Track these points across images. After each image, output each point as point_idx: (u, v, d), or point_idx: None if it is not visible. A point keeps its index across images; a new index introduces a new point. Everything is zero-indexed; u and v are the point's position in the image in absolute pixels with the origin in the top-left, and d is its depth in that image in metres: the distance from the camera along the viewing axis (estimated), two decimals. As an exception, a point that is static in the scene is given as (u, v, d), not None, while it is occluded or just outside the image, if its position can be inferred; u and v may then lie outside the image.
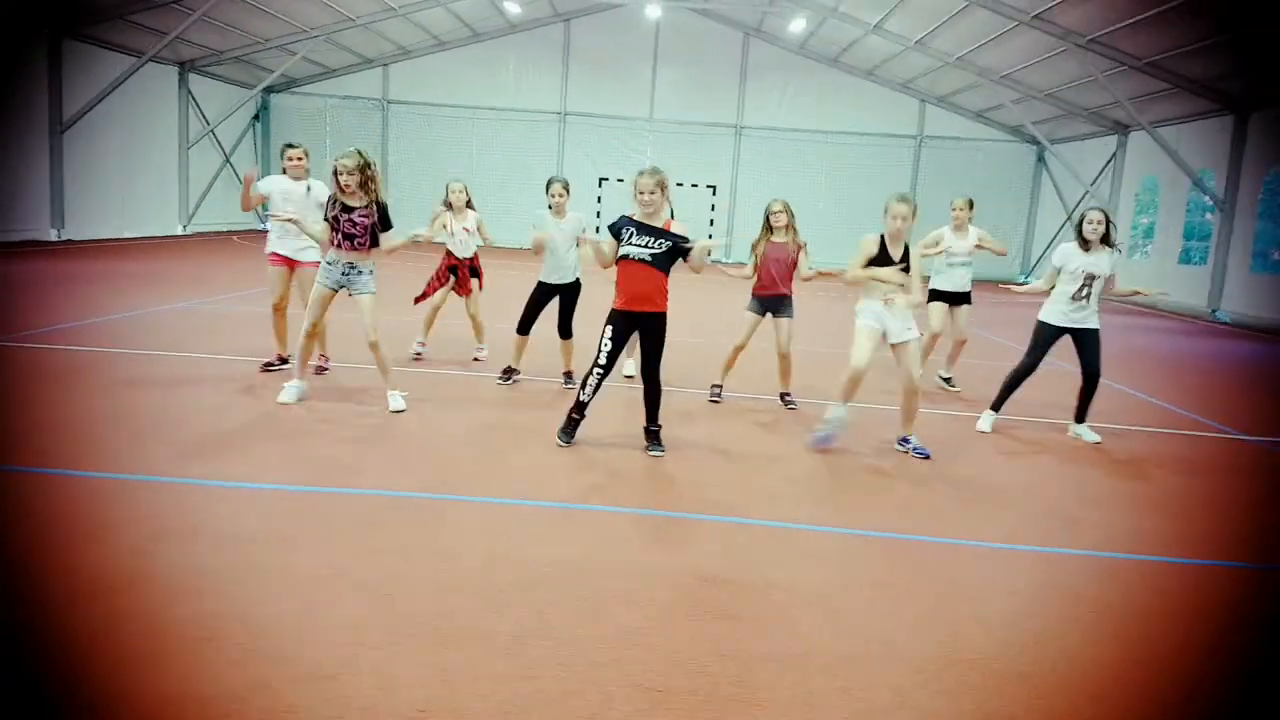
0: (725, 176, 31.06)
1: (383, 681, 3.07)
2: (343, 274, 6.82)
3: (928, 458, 6.53)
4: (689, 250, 6.09)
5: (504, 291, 10.97)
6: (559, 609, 3.70)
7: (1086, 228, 7.25)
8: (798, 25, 26.52)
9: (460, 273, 9.00)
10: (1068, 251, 7.34)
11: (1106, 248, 7.26)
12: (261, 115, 30.04)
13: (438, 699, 3.00)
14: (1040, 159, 30.60)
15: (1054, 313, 7.39)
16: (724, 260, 27.21)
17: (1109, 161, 26.38)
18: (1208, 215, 22.60)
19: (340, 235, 6.71)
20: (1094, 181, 26.79)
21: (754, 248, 7.92)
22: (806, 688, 3.24)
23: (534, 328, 8.10)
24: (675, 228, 6.14)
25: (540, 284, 8.06)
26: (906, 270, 6.46)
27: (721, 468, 6.03)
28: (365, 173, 6.68)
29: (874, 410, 7.79)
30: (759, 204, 30.05)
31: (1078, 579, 4.45)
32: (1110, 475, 6.53)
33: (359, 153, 6.75)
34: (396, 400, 6.94)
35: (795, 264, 7.86)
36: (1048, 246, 28.82)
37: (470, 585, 3.87)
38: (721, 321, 9.81)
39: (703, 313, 11.73)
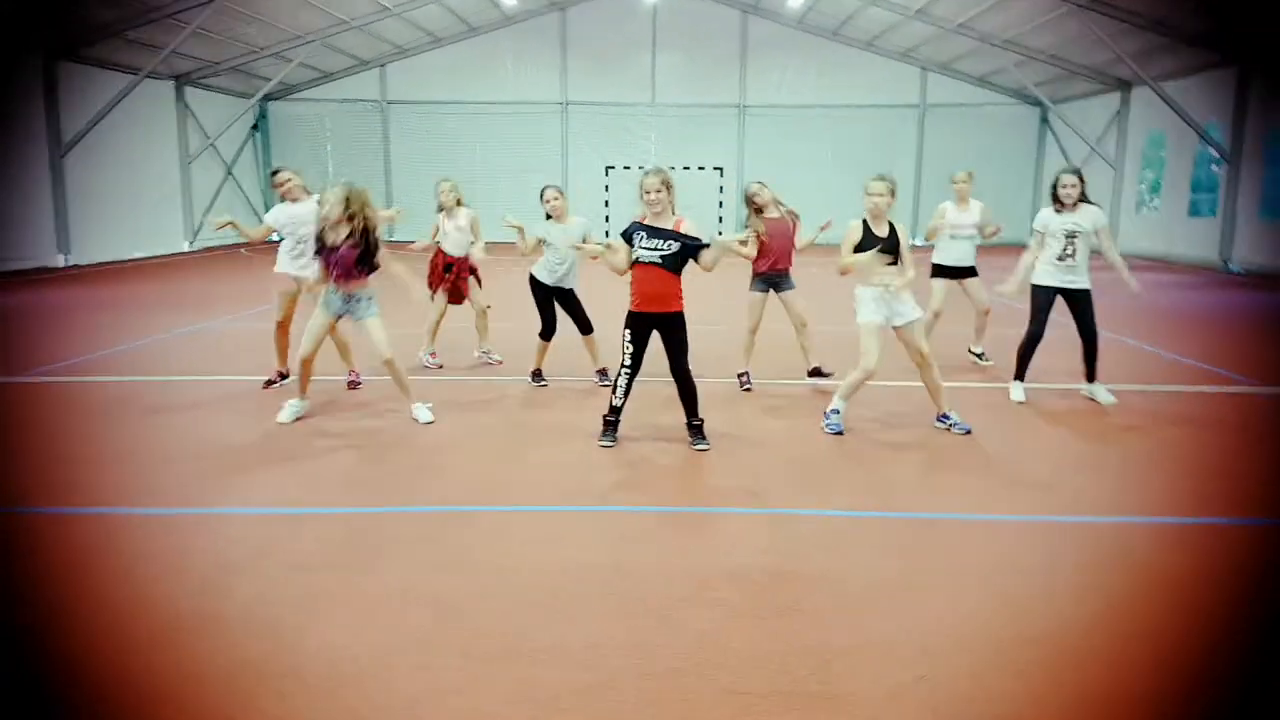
0: (731, 157, 30.91)
1: (468, 706, 3.09)
2: (343, 303, 6.81)
3: (969, 433, 6.53)
4: (700, 249, 6.11)
5: (511, 288, 10.93)
6: (629, 617, 3.72)
7: (1060, 191, 7.37)
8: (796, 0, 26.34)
9: (456, 273, 8.89)
10: (1045, 215, 7.50)
11: (1086, 205, 7.37)
12: (260, 124, 30.00)
13: None
14: (1044, 120, 30.38)
15: (1044, 274, 7.50)
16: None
17: (1113, 119, 26.19)
18: (1214, 167, 22.42)
19: (333, 271, 6.67)
20: (1099, 139, 26.62)
21: (753, 231, 7.71)
22: (887, 679, 3.25)
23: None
24: (686, 226, 6.14)
25: (534, 280, 8.06)
26: (895, 250, 6.44)
27: (756, 457, 6.03)
28: (349, 206, 6.59)
29: (896, 388, 7.78)
30: (768, 182, 29.69)
31: (1138, 545, 4.45)
32: (1144, 440, 6.51)
33: (344, 186, 6.67)
34: (423, 413, 6.89)
35: (791, 238, 7.93)
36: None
37: (536, 598, 3.88)
38: (731, 304, 9.76)
39: (711, 298, 11.71)
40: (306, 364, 6.89)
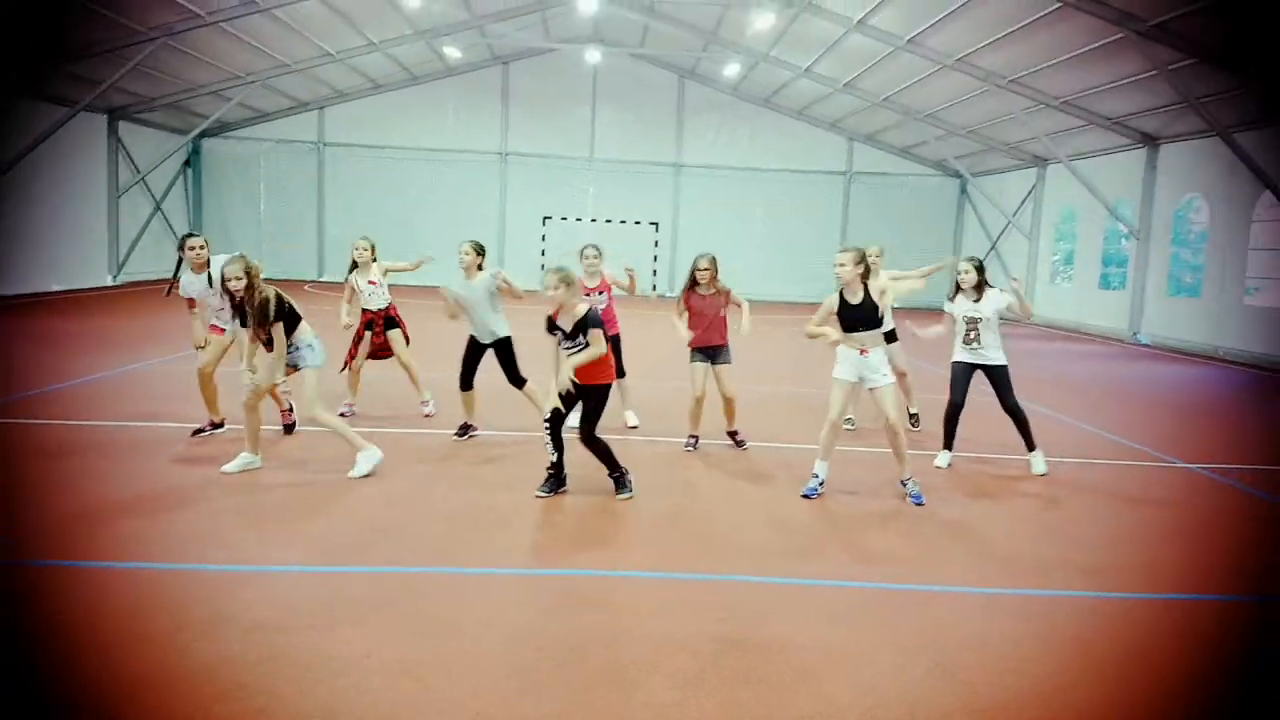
0: (666, 213, 31.58)
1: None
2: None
3: (921, 504, 6.81)
4: (591, 323, 6.48)
5: (440, 335, 11.06)
6: (591, 689, 3.85)
7: (958, 278, 7.90)
8: (731, 69, 27.18)
9: (376, 328, 9.02)
10: (950, 303, 8.01)
11: (988, 290, 7.84)
12: (193, 161, 29.65)
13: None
14: (964, 191, 31.72)
15: (957, 353, 8.02)
16: (664, 295, 27.51)
17: (1029, 193, 27.46)
18: (1124, 242, 23.65)
19: (258, 338, 6.89)
20: (1015, 212, 27.89)
21: (680, 302, 8.24)
22: (840, 752, 3.45)
23: (478, 379, 8.37)
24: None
25: (470, 338, 8.32)
26: (869, 319, 6.73)
27: (707, 521, 6.24)
28: (250, 277, 6.76)
29: (852, 452, 8.09)
30: (699, 240, 30.55)
31: (1068, 621, 4.75)
32: (1082, 511, 6.89)
33: (243, 257, 6.84)
34: (362, 464, 6.90)
35: (722, 314, 8.18)
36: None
37: (501, 665, 4.00)
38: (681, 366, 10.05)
39: (661, 356, 11.99)
40: (252, 411, 6.89)
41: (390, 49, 25.92)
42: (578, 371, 6.41)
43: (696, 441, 8.41)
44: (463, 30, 25.87)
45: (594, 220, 30.92)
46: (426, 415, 9.17)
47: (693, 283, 8.23)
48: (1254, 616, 5.13)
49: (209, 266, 7.84)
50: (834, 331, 6.80)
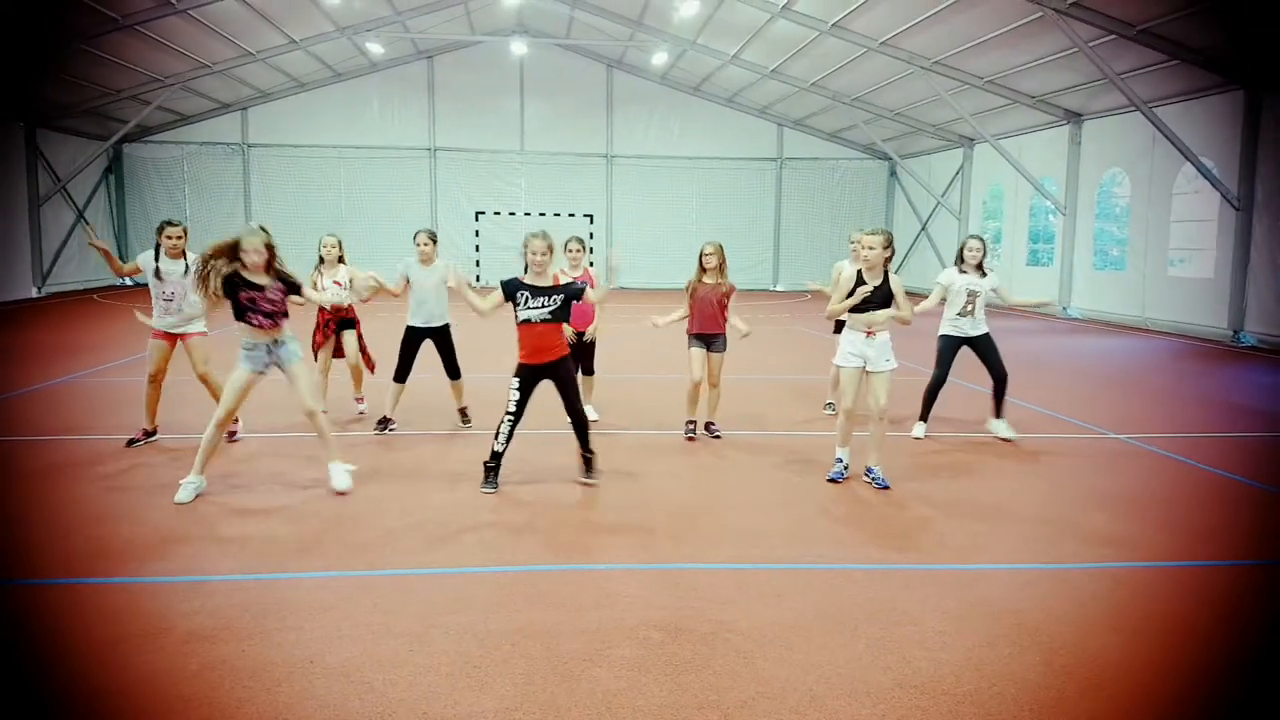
0: (600, 204, 31.53)
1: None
2: (267, 354, 6.62)
3: (886, 489, 6.87)
4: (581, 292, 6.70)
5: (381, 335, 11.04)
6: (538, 680, 3.87)
7: (968, 254, 8.37)
8: (659, 58, 27.20)
9: (330, 331, 8.97)
10: (951, 275, 8.42)
11: (981, 271, 8.39)
12: (114, 167, 28.92)
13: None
14: (893, 174, 32.17)
15: (948, 327, 8.46)
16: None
17: (957, 173, 27.95)
18: (1051, 219, 24.19)
19: (260, 315, 6.52)
20: (944, 193, 28.36)
21: (688, 288, 8.29)
22: (783, 731, 3.51)
23: (412, 374, 8.57)
24: (566, 279, 6.98)
25: (409, 328, 8.51)
26: (886, 301, 6.84)
27: (648, 511, 6.26)
28: (271, 250, 6.60)
29: (799, 437, 8.19)
30: (635, 230, 30.58)
31: (998, 593, 4.87)
32: (1017, 486, 7.06)
33: (263, 229, 6.64)
34: (341, 478, 6.65)
35: (724, 304, 8.21)
36: (905, 255, 30.27)
37: (445, 664, 3.99)
38: (675, 356, 10.11)
39: (653, 347, 11.97)
40: (220, 427, 6.53)
41: (312, 46, 25.47)
42: (540, 351, 6.55)
43: (694, 427, 8.48)
44: (385, 25, 25.52)
45: (527, 214, 30.78)
46: (360, 414, 9.19)
47: (701, 269, 8.23)
48: (1183, 579, 5.30)
49: (185, 256, 7.84)
50: (860, 293, 6.80)
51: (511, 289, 6.58)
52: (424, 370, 8.71)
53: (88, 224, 25.79)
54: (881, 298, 6.82)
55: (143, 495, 6.49)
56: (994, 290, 8.47)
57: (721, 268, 8.23)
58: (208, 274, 6.38)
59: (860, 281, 6.83)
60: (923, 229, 30.07)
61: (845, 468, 7.04)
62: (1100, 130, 21.52)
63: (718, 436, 8.48)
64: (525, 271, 6.64)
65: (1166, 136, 17.52)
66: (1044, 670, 4.03)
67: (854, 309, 6.86)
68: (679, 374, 8.57)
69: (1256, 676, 4.10)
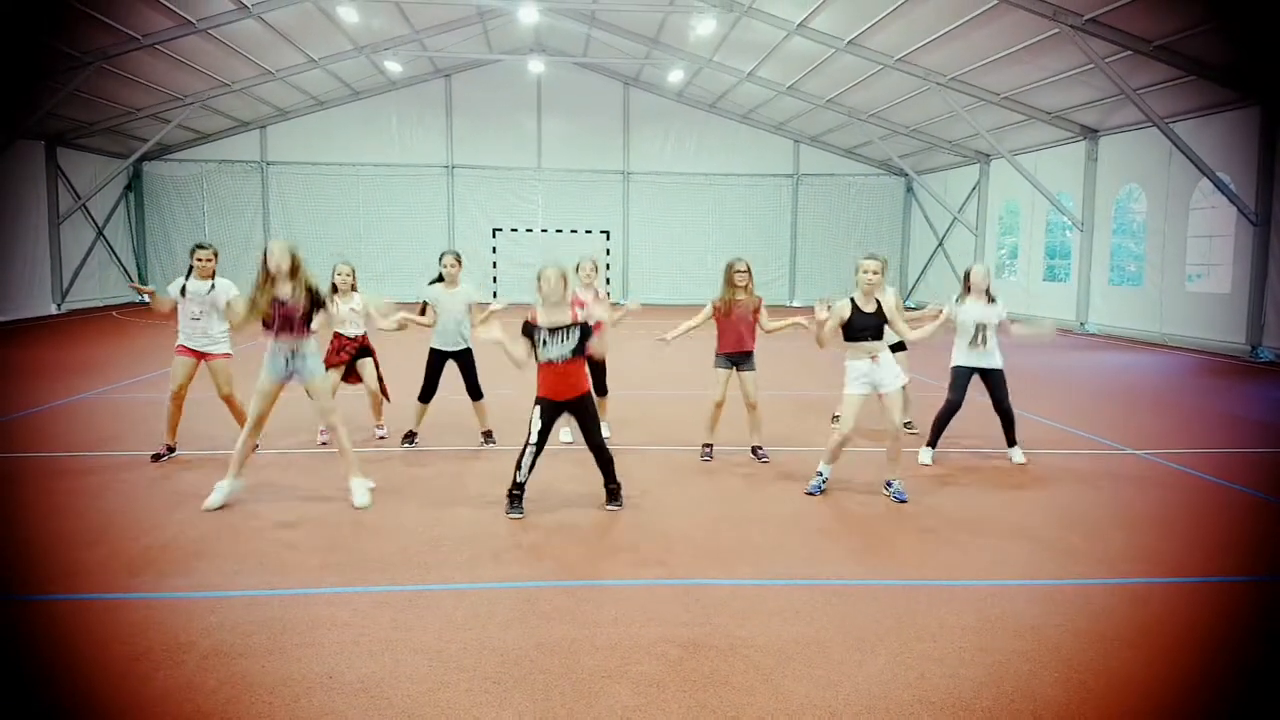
0: (617, 221, 31.62)
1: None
2: (286, 363, 6.74)
3: (904, 502, 6.92)
4: (591, 332, 6.57)
5: (400, 356, 11.04)
6: (558, 696, 3.87)
7: (971, 282, 8.22)
8: (675, 75, 27.32)
9: (344, 356, 8.88)
10: (961, 308, 8.20)
11: (989, 298, 8.18)
12: (134, 185, 29.21)
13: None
14: (909, 189, 32.15)
15: (960, 357, 8.28)
16: (634, 302, 27.53)
17: (973, 189, 27.90)
18: (1067, 234, 24.10)
19: (279, 322, 6.68)
20: (960, 208, 28.32)
21: (716, 305, 8.13)
22: (802, 747, 3.50)
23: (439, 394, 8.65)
24: (591, 303, 6.82)
25: (432, 350, 8.62)
26: (879, 328, 6.92)
27: (666, 526, 6.27)
28: (294, 260, 6.73)
29: (814, 453, 8.17)
30: (651, 247, 30.48)
31: (1017, 609, 4.85)
32: (1036, 502, 7.03)
33: (286, 242, 6.84)
34: (360, 495, 6.74)
35: (755, 320, 8.19)
36: (922, 271, 30.26)
37: (463, 680, 4.00)
38: (699, 376, 10.07)
39: (680, 368, 11.99)
40: (252, 434, 6.78)
41: (331, 65, 25.71)
42: (562, 390, 6.48)
43: (711, 450, 8.38)
44: (404, 44, 25.74)
45: (544, 230, 30.92)
46: (380, 438, 9.10)
47: (732, 286, 8.11)
48: (1208, 598, 5.26)
49: (215, 276, 8.02)
50: (844, 310, 6.91)
51: (528, 331, 6.53)
52: (448, 389, 8.77)
53: (131, 279, 26.06)
54: (876, 325, 6.94)
55: (163, 511, 6.54)
56: (999, 324, 8.18)
57: (750, 285, 8.20)
58: (256, 298, 6.70)
59: (855, 309, 6.95)
60: (939, 245, 30.01)
61: (824, 481, 7.16)
62: (1117, 146, 21.47)
63: (765, 460, 8.27)
64: (539, 305, 6.53)
65: (1183, 152, 17.45)
66: (1063, 687, 4.01)
67: (852, 339, 6.96)
68: (694, 390, 8.55)
69: (1278, 693, 4.07)
